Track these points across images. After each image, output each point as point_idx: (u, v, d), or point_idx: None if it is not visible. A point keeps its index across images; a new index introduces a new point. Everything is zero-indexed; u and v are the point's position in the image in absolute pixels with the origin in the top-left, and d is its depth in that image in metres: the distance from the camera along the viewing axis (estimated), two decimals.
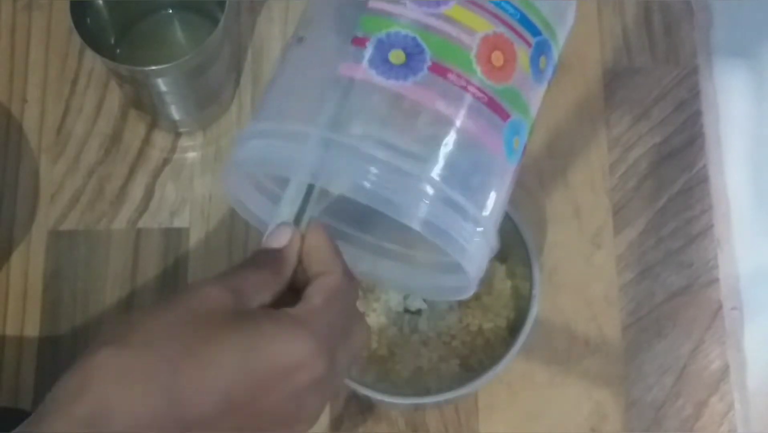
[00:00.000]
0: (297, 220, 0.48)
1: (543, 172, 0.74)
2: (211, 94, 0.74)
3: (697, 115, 0.75)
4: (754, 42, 0.75)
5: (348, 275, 0.47)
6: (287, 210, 0.48)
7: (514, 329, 0.66)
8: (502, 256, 0.68)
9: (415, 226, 0.46)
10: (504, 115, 0.49)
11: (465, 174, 0.48)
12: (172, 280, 0.72)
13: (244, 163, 0.50)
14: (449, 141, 0.47)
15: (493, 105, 0.48)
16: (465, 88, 0.48)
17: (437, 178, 0.47)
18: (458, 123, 0.47)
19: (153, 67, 0.66)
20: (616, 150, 0.74)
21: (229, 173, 0.52)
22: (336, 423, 0.69)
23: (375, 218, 0.50)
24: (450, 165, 0.47)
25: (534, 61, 0.50)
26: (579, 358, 0.70)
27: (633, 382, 0.70)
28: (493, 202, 0.49)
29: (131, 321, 0.43)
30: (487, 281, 0.67)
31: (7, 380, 0.70)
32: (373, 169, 0.46)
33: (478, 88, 0.48)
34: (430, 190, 0.46)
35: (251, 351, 0.43)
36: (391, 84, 0.47)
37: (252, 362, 0.43)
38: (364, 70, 0.47)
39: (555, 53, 0.51)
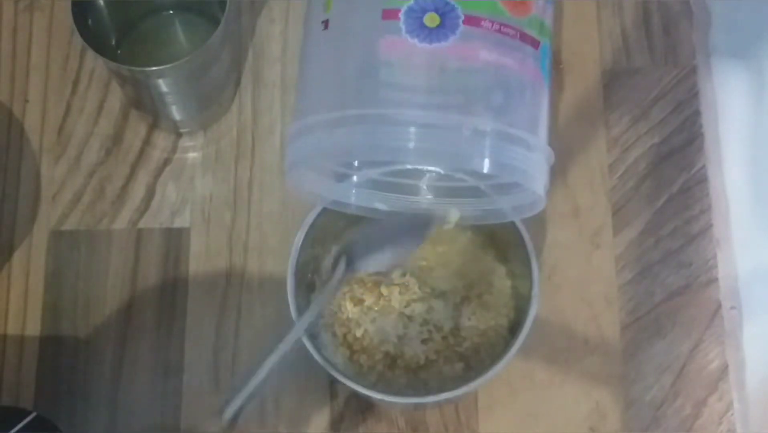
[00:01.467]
0: None
1: None
2: (212, 95, 0.74)
3: (696, 115, 0.75)
4: (753, 42, 0.76)
5: None
6: None
7: (514, 328, 0.66)
8: (502, 256, 0.68)
9: (487, 170, 0.50)
10: (535, 44, 0.52)
11: (516, 108, 0.51)
12: (173, 280, 0.72)
13: (310, 157, 0.52)
14: (498, 84, 0.50)
15: (524, 38, 0.51)
16: (499, 31, 0.50)
17: (495, 123, 0.50)
18: (501, 65, 0.50)
19: (154, 68, 0.66)
20: (615, 150, 0.74)
21: (294, 169, 0.54)
22: (336, 423, 0.69)
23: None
24: (503, 105, 0.50)
25: None
26: (578, 357, 0.70)
27: (632, 381, 0.70)
28: (543, 124, 0.53)
29: None
30: (487, 281, 0.68)
31: (8, 379, 0.70)
32: (440, 135, 0.48)
33: (510, 27, 0.50)
34: (490, 136, 0.49)
35: None
36: (435, 47, 0.49)
37: None
38: (404, 41, 0.49)
39: None
